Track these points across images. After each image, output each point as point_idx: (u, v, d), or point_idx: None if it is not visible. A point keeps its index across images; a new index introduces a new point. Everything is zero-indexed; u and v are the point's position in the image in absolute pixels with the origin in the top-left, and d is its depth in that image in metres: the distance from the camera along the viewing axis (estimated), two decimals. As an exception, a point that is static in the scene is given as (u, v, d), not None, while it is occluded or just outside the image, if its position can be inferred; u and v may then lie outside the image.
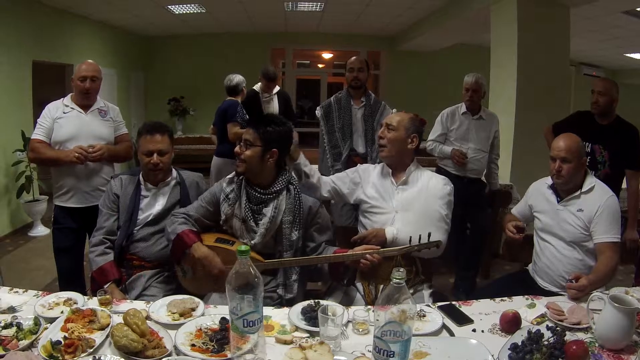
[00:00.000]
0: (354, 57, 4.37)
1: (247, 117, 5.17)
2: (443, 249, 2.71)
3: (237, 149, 2.59)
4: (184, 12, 8.62)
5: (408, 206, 2.77)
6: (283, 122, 2.67)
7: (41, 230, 6.61)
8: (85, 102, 3.57)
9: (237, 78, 5.67)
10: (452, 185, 2.87)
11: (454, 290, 4.58)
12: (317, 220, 2.67)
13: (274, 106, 5.64)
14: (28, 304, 2.18)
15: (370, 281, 2.72)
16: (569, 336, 1.87)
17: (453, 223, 2.87)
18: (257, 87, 5.64)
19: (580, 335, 1.95)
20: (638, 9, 6.54)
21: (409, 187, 2.84)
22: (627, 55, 10.26)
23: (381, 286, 2.66)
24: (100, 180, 3.49)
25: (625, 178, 3.88)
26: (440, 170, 4.49)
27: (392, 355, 1.47)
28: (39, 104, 7.52)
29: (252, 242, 2.56)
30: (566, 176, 2.66)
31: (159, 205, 2.88)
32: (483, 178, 4.78)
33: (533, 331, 1.86)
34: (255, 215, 2.59)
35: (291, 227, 2.59)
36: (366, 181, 2.95)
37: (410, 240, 2.51)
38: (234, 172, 2.70)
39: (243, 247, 1.56)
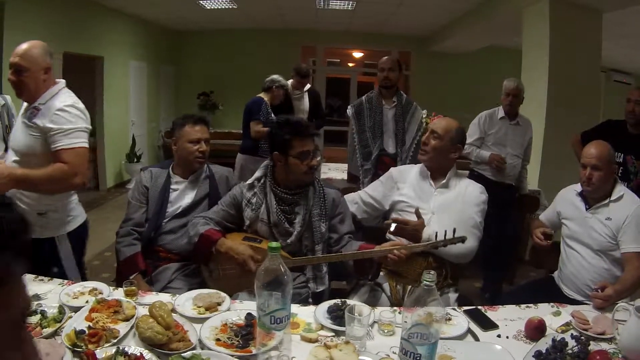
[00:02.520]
0: (385, 57, 4.33)
1: (273, 116, 5.18)
2: (473, 254, 2.69)
3: (315, 162, 2.60)
4: (216, 7, 8.66)
5: (444, 209, 2.75)
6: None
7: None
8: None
9: (272, 76, 5.60)
10: (487, 195, 2.85)
11: (480, 295, 4.55)
12: (340, 210, 2.71)
13: (305, 104, 5.65)
14: (53, 292, 2.20)
15: (398, 281, 2.72)
16: (593, 346, 1.86)
17: (483, 228, 2.85)
18: (289, 83, 5.66)
19: (604, 346, 1.93)
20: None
21: (448, 191, 2.83)
22: (659, 63, 10.12)
23: (409, 287, 2.66)
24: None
25: None
26: (475, 175, 4.47)
27: (418, 358, 1.47)
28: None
29: (288, 242, 2.56)
30: (596, 184, 2.64)
31: (189, 198, 2.90)
32: (514, 183, 4.74)
33: (557, 339, 1.85)
34: (287, 216, 2.61)
35: (320, 220, 2.62)
36: (403, 181, 2.94)
37: (436, 236, 2.50)
38: (253, 177, 2.72)
39: (274, 244, 1.57)
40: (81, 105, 2.65)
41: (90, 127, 2.70)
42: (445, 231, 2.47)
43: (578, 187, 2.82)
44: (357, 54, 13.41)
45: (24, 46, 2.50)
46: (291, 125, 2.62)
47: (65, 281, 2.35)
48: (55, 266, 2.66)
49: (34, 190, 2.56)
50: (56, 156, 2.47)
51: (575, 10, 5.58)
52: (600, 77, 6.28)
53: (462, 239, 2.51)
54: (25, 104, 2.65)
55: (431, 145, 2.81)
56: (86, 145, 2.59)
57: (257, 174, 2.72)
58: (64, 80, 2.71)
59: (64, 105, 2.53)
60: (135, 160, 9.04)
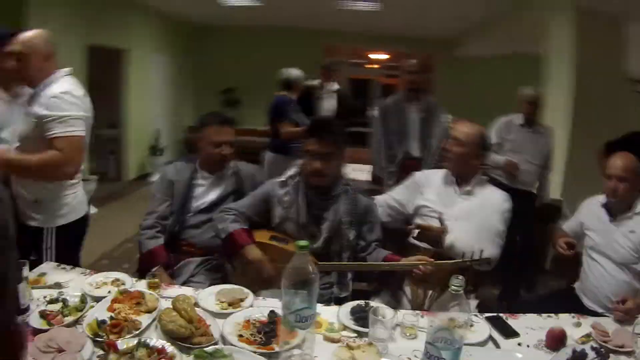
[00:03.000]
0: (412, 60, 4.32)
1: (303, 114, 5.18)
2: (495, 264, 2.69)
3: (317, 165, 2.53)
4: (240, 4, 8.67)
5: (468, 216, 2.74)
6: (338, 122, 2.71)
7: (90, 210, 6.69)
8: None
9: (295, 72, 5.56)
10: (511, 203, 2.84)
11: (498, 302, 4.53)
12: (370, 218, 2.68)
13: (332, 103, 5.63)
14: (74, 280, 2.22)
15: (420, 286, 2.71)
16: (613, 358, 1.85)
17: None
18: (317, 82, 5.65)
19: (624, 359, 1.92)
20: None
21: (472, 197, 2.82)
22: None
23: (430, 291, 2.66)
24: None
25: None
26: (491, 180, 4.46)
27: (442, 363, 1.47)
28: (94, 88, 7.74)
29: (314, 246, 2.53)
30: (621, 195, 2.62)
31: (214, 194, 2.91)
32: (534, 191, 4.72)
33: (578, 350, 1.84)
34: (316, 220, 2.60)
35: (349, 227, 2.59)
36: (427, 186, 2.93)
37: (463, 255, 2.50)
38: (286, 175, 2.70)
39: (303, 242, 1.58)
40: (79, 93, 2.60)
41: (88, 114, 2.63)
42: (473, 252, 2.47)
43: (602, 198, 2.81)
44: (381, 56, 13.37)
45: (24, 35, 2.49)
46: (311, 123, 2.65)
47: (88, 270, 2.37)
48: (36, 255, 2.61)
49: (27, 175, 2.57)
50: (51, 144, 2.43)
51: (602, 20, 5.51)
52: (626, 88, 6.19)
53: (488, 261, 2.52)
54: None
55: (453, 152, 2.81)
56: (82, 133, 2.53)
57: (291, 171, 2.70)
58: (68, 69, 2.67)
59: (59, 91, 2.48)
60: (158, 153, 9.10)
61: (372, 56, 13.35)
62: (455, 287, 1.46)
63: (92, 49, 7.15)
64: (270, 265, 2.47)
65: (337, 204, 2.60)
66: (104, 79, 8.36)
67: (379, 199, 3.04)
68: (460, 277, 1.48)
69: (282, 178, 2.70)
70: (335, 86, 5.71)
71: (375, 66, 13.77)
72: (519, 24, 7.11)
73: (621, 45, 5.74)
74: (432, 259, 2.47)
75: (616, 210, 2.72)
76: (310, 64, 5.84)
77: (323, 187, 2.61)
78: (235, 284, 2.32)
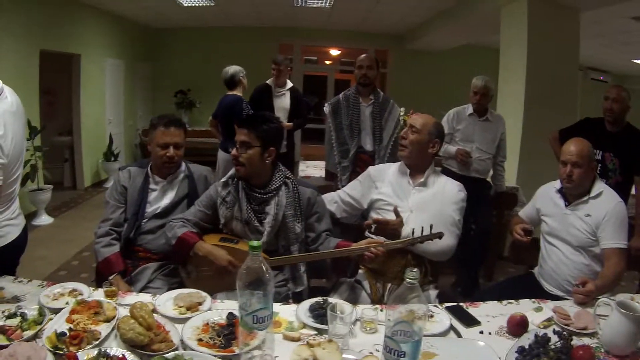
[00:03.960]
0: (363, 55, 4.36)
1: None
2: (452, 252, 2.72)
3: (233, 152, 2.57)
4: (193, 4, 8.60)
5: (423, 207, 2.76)
6: (275, 119, 2.70)
7: (45, 220, 6.61)
8: None
9: (232, 69, 5.51)
10: (466, 192, 2.87)
11: (452, 289, 4.58)
12: (316, 209, 2.70)
13: (285, 101, 5.62)
14: (32, 293, 2.17)
15: (378, 279, 2.72)
16: (576, 341, 1.86)
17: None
18: (270, 81, 5.63)
19: (587, 341, 1.94)
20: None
21: (426, 189, 2.84)
22: (635, 61, 10.25)
23: (388, 285, 2.67)
24: None
25: (634, 185, 3.87)
26: (444, 170, 4.50)
27: (402, 356, 1.46)
28: (45, 93, 7.59)
29: (261, 241, 2.50)
30: (576, 181, 2.65)
31: (167, 198, 2.88)
32: (488, 179, 4.78)
33: (540, 335, 1.86)
34: (258, 215, 2.60)
35: (294, 220, 2.60)
36: (381, 180, 2.94)
37: (413, 233, 2.51)
38: (227, 175, 2.70)
39: (255, 243, 1.55)
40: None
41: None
42: (422, 227, 2.49)
43: (557, 184, 2.85)
44: (335, 52, 13.43)
45: None
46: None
47: (45, 282, 2.31)
48: None
49: None
50: None
51: (554, 9, 5.63)
52: (578, 75, 6.33)
53: (440, 235, 2.53)
54: None
55: (409, 140, 2.81)
56: None
57: (232, 171, 2.69)
58: None
59: None
60: (112, 159, 8.94)
61: (327, 53, 13.43)
62: (410, 280, 1.45)
63: (45, 54, 7.00)
64: (223, 251, 2.48)
65: (277, 197, 2.61)
66: (57, 84, 8.21)
67: (334, 196, 3.04)
68: (415, 269, 1.47)
69: (224, 179, 2.69)
70: (289, 84, 5.69)
71: (329, 62, 13.85)
72: (473, 15, 7.19)
73: (574, 34, 5.84)
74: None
75: (571, 196, 2.75)
76: (265, 63, 5.82)
77: (260, 183, 2.62)
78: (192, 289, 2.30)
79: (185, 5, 8.62)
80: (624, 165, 3.74)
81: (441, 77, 11.12)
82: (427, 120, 2.85)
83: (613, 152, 3.74)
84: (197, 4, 8.61)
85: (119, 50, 9.66)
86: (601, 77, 11.88)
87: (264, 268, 1.56)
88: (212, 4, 8.59)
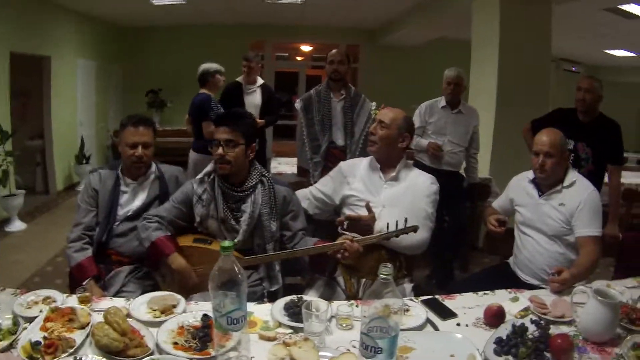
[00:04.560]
0: (334, 50, 4.36)
1: (222, 111, 5.09)
2: (425, 245, 2.72)
3: (219, 151, 2.52)
4: (165, 3, 8.52)
5: (395, 202, 2.76)
6: (249, 114, 2.72)
7: (18, 226, 6.49)
8: None
9: (204, 66, 5.42)
10: (438, 185, 2.87)
11: (428, 282, 4.60)
12: (292, 208, 2.69)
13: (257, 98, 5.59)
14: (6, 302, 2.11)
15: (353, 275, 2.71)
16: (553, 329, 1.88)
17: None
18: (240, 79, 5.59)
19: (564, 329, 1.96)
20: (619, 7, 6.60)
21: (398, 183, 2.83)
22: (607, 52, 10.38)
23: (363, 280, 2.67)
24: None
25: (606, 173, 3.92)
26: (416, 164, 4.51)
27: (379, 352, 1.45)
28: (16, 96, 7.46)
29: (235, 240, 2.53)
30: (549, 171, 2.68)
31: (139, 200, 2.83)
32: (461, 172, 4.81)
33: (517, 325, 1.86)
34: (234, 214, 2.58)
35: (270, 219, 2.59)
36: (352, 175, 2.93)
37: (387, 227, 2.51)
38: (203, 172, 2.67)
39: (227, 243, 1.53)
40: None
41: None
42: (397, 221, 2.49)
43: (530, 175, 2.87)
44: (306, 48, 13.42)
45: None
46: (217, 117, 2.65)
47: (19, 290, 2.26)
48: None
49: None
50: None
51: (525, 3, 5.67)
52: (550, 67, 6.38)
53: (414, 229, 2.53)
54: None
55: (379, 135, 2.81)
56: None
57: (207, 168, 2.67)
58: None
59: None
60: (84, 161, 8.80)
61: (298, 49, 13.42)
62: (384, 275, 1.45)
63: (15, 56, 6.87)
64: (195, 273, 2.47)
65: (253, 195, 2.59)
66: (27, 87, 8.07)
67: (306, 192, 3.03)
68: (389, 264, 1.47)
69: (200, 176, 2.67)
70: (260, 81, 5.66)
71: (301, 58, 13.85)
72: (445, 9, 7.22)
73: (546, 27, 5.89)
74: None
75: (544, 186, 2.78)
76: (237, 60, 5.77)
77: (237, 180, 2.60)
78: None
79: (157, 3, 8.52)
80: (597, 154, 3.78)
81: (413, 72, 11.17)
82: (397, 115, 2.84)
83: (586, 142, 3.78)
84: (168, 3, 8.52)
85: (90, 50, 9.53)
86: (573, 68, 12.02)
87: (236, 269, 1.54)
88: (183, 2, 8.52)
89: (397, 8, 8.70)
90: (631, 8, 6.62)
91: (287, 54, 14.19)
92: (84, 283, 2.52)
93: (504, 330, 1.86)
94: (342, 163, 3.09)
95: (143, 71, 11.21)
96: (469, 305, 2.19)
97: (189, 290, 2.42)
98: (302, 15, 9.88)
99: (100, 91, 10.11)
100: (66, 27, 8.57)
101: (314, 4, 8.66)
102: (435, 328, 2.00)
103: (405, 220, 2.50)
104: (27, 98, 8.25)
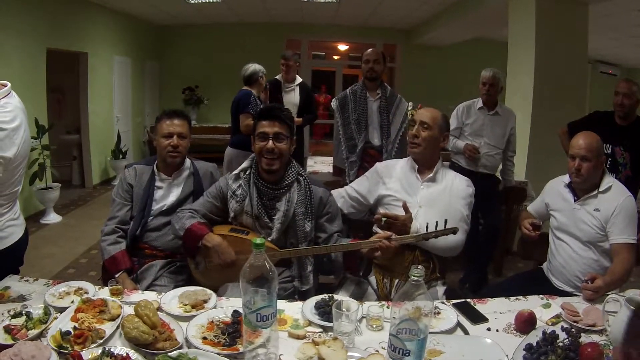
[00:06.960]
0: (370, 49, 4.35)
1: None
2: (460, 248, 2.69)
3: (269, 144, 2.49)
4: (200, 1, 8.62)
5: (432, 203, 2.74)
6: (288, 110, 2.68)
7: (53, 218, 6.63)
8: None
9: (252, 67, 5.46)
10: (474, 188, 2.85)
11: (460, 285, 4.56)
12: (328, 210, 2.66)
13: (295, 97, 5.61)
14: (38, 292, 2.17)
15: (385, 275, 2.70)
16: (584, 338, 1.84)
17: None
18: (279, 76, 5.62)
19: (595, 337, 1.92)
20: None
21: (435, 184, 2.81)
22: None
23: (396, 280, 2.66)
24: None
25: None
26: (452, 165, 4.47)
27: (407, 354, 1.44)
28: (53, 91, 7.61)
29: (269, 238, 2.53)
30: (585, 175, 2.62)
31: (173, 196, 2.88)
32: (498, 174, 4.74)
33: (548, 332, 1.83)
34: (268, 211, 2.58)
35: (304, 219, 2.56)
36: (389, 176, 2.91)
37: (427, 227, 2.49)
38: (239, 168, 2.67)
39: (258, 240, 1.53)
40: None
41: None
42: (437, 222, 2.47)
43: (566, 179, 2.81)
44: (342, 47, 13.41)
45: None
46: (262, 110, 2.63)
47: (51, 281, 2.31)
48: None
49: None
50: None
51: (562, 2, 5.58)
52: (587, 69, 6.27)
53: (454, 230, 2.51)
54: None
55: (422, 137, 2.78)
56: None
57: (244, 164, 2.67)
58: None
59: None
60: (120, 156, 8.95)
61: (335, 48, 13.41)
62: (415, 277, 1.44)
63: (52, 52, 7.01)
64: (231, 250, 2.45)
65: (289, 193, 2.58)
66: (64, 83, 8.23)
67: (341, 191, 3.03)
68: (420, 266, 1.46)
69: (236, 171, 2.67)
70: (298, 79, 5.68)
71: (337, 57, 13.84)
72: (481, 9, 7.15)
73: (583, 27, 5.79)
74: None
75: (580, 190, 2.72)
76: (273, 58, 5.80)
77: (274, 178, 2.59)
78: (199, 284, 2.29)
79: (193, 2, 8.62)
80: (635, 159, 3.70)
81: (449, 72, 11.09)
82: (436, 115, 2.81)
83: (623, 146, 3.71)
84: (204, 1, 8.60)
85: (126, 47, 9.68)
86: (610, 71, 11.79)
87: (268, 266, 1.54)
88: (219, 1, 8.58)
89: (432, 8, 8.64)
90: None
91: (323, 53, 14.20)
92: (116, 275, 2.57)
93: (534, 337, 1.84)
94: (378, 164, 3.07)
95: (178, 68, 11.33)
96: (500, 310, 2.16)
97: (226, 272, 2.44)
98: (337, 15, 9.88)
99: (137, 88, 10.27)
100: (102, 24, 8.72)
101: (350, 4, 8.65)
102: (466, 332, 1.98)
103: (445, 222, 2.48)
104: (62, 94, 8.41)
